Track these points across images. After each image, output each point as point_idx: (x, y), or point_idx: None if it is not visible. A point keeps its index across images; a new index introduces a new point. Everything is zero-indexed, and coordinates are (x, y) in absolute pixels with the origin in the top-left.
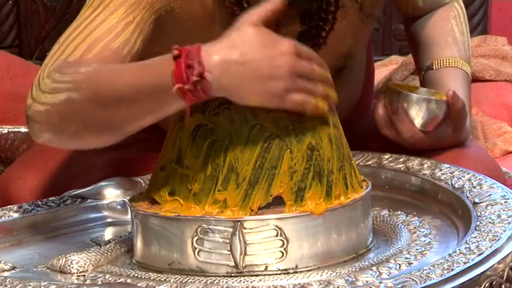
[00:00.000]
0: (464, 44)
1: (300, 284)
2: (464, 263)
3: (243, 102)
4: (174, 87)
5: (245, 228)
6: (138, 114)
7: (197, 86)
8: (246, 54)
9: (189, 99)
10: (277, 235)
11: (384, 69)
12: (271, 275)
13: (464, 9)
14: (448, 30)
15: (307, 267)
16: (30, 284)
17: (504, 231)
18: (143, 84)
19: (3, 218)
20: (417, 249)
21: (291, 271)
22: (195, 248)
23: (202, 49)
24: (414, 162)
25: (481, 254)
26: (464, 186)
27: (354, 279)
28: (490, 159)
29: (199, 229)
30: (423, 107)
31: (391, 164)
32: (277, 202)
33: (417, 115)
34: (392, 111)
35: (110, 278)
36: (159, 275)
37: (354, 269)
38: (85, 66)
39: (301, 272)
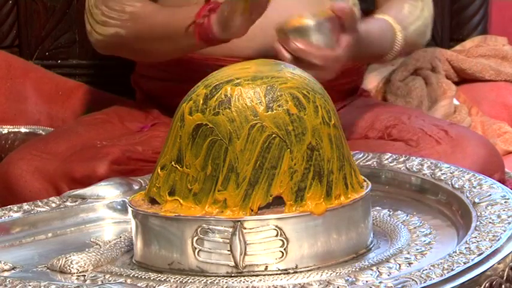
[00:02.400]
0: (405, 19)
1: (300, 284)
2: (464, 263)
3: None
4: (189, 20)
5: (245, 228)
6: (169, 48)
7: (204, 19)
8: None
9: (198, 35)
10: (277, 235)
11: (383, 70)
12: (271, 275)
13: (431, 12)
14: (399, 8)
15: (307, 267)
16: (30, 284)
17: (504, 231)
18: (172, 24)
19: (3, 218)
20: (417, 249)
21: (291, 271)
22: (195, 248)
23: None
24: (414, 162)
25: (481, 254)
26: (464, 186)
27: (354, 279)
28: (489, 143)
29: (199, 229)
30: (319, 31)
31: (391, 164)
32: (277, 202)
33: (318, 41)
34: (295, 50)
35: (110, 278)
36: (159, 275)
37: (354, 269)
38: (130, 6)
39: (301, 272)
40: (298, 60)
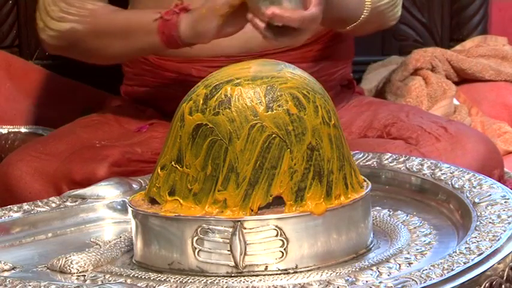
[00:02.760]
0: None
1: (300, 284)
2: (464, 263)
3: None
4: (156, 15)
5: (245, 228)
6: (126, 47)
7: (172, 16)
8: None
9: (162, 32)
10: (277, 235)
11: (383, 70)
12: (271, 275)
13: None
14: None
15: (307, 267)
16: (30, 284)
17: (504, 231)
18: (134, 22)
19: (3, 218)
20: (417, 249)
21: (291, 271)
22: (195, 248)
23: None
24: (414, 162)
25: (481, 254)
26: (464, 186)
27: (354, 279)
28: (489, 139)
29: (199, 229)
30: None
31: (391, 164)
32: (277, 202)
33: (289, 1)
34: (270, 18)
35: (110, 278)
36: (159, 275)
37: (354, 269)
38: (91, 4)
39: (301, 272)
40: (274, 28)
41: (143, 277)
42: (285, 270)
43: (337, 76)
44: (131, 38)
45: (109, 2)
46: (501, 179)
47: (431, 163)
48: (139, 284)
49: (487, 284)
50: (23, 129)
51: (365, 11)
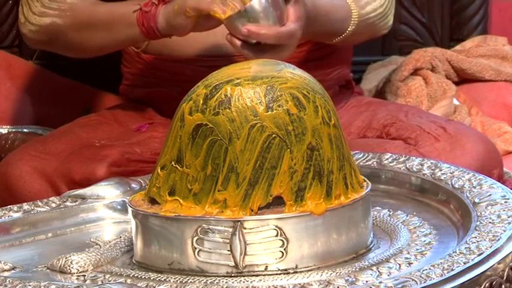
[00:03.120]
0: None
1: (300, 284)
2: (464, 263)
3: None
4: (136, 7)
5: (245, 228)
6: (107, 39)
7: (151, 7)
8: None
9: (141, 23)
10: (277, 235)
11: (383, 70)
12: (271, 275)
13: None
14: None
15: (307, 267)
16: (30, 284)
17: (504, 231)
18: (115, 14)
19: (3, 218)
20: (417, 249)
21: (291, 271)
22: (195, 248)
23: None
24: (414, 162)
25: (481, 254)
26: (464, 186)
27: (354, 279)
28: (488, 139)
29: (199, 229)
30: (263, 10)
31: (391, 164)
32: (277, 202)
33: (266, 18)
34: (245, 35)
35: (110, 278)
36: (159, 275)
37: (354, 269)
38: None
39: (301, 272)
40: (253, 45)
41: (143, 277)
42: (285, 270)
43: (333, 76)
44: (112, 29)
45: None
46: (500, 178)
47: (431, 163)
48: (139, 284)
49: (487, 284)
50: (23, 129)
51: (351, 24)
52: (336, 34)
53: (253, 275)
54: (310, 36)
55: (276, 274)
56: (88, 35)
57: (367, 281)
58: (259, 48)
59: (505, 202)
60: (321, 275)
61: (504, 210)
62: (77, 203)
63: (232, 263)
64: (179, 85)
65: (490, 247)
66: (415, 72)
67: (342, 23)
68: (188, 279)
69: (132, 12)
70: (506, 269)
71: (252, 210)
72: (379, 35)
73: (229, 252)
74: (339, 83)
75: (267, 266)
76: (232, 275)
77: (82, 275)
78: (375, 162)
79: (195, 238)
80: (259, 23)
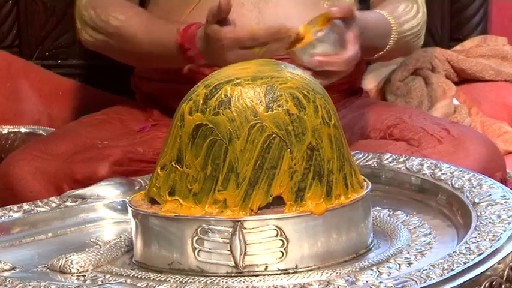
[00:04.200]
0: (401, 16)
1: (300, 284)
2: (464, 263)
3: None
4: (185, 67)
5: (245, 228)
6: (154, 66)
7: (196, 60)
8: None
9: (186, 60)
10: (277, 235)
11: (383, 70)
12: (271, 275)
13: (425, 15)
14: (395, 6)
15: (307, 267)
16: (30, 284)
17: (504, 231)
18: (159, 56)
19: (3, 218)
20: (417, 249)
21: (291, 271)
22: (195, 248)
23: (196, 37)
24: (414, 162)
25: (481, 254)
26: (464, 186)
27: (354, 279)
28: (491, 142)
29: (199, 229)
30: (331, 40)
31: (391, 164)
32: (277, 202)
33: (333, 46)
34: (316, 66)
35: (110, 278)
36: (159, 275)
37: (354, 269)
38: (114, 19)
39: (301, 272)
40: (319, 73)
41: (143, 277)
42: (285, 270)
43: (346, 89)
44: (157, 62)
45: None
46: (503, 181)
47: (431, 163)
48: (139, 284)
49: (487, 284)
50: (23, 129)
51: (391, 41)
52: (377, 50)
53: (253, 275)
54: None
55: (276, 274)
56: (136, 62)
57: (367, 281)
58: (324, 73)
59: (505, 202)
60: (321, 275)
61: (504, 210)
62: (77, 203)
63: (232, 263)
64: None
65: (490, 247)
66: (415, 72)
67: (384, 39)
68: (188, 279)
69: (176, 52)
70: (506, 269)
71: (252, 210)
72: (410, 53)
73: (229, 252)
74: (352, 90)
75: (267, 266)
76: (232, 275)
77: (82, 275)
78: (374, 162)
79: (195, 238)
80: (326, 51)
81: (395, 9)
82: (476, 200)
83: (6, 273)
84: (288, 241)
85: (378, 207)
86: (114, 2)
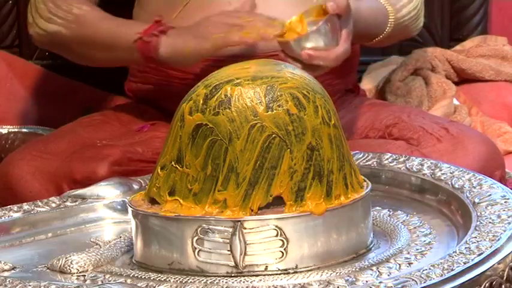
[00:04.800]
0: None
1: (300, 284)
2: (464, 263)
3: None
4: (136, 36)
5: (245, 228)
6: (108, 57)
7: (152, 38)
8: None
9: (141, 52)
10: (277, 235)
11: (383, 70)
12: (271, 275)
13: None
14: None
15: (307, 267)
16: (30, 284)
17: (504, 231)
18: (116, 36)
19: (3, 218)
20: (417, 249)
21: (291, 271)
22: (195, 248)
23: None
24: (414, 162)
25: (481, 254)
26: (464, 186)
27: (354, 279)
28: (490, 141)
29: (199, 229)
30: (321, 34)
31: (391, 164)
32: (277, 202)
33: (326, 42)
34: (306, 59)
35: (110, 278)
36: (159, 275)
37: (354, 269)
38: (77, 8)
39: (301, 272)
40: (308, 66)
41: (143, 277)
42: (285, 270)
43: (339, 87)
44: (113, 52)
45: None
46: (502, 180)
47: (431, 163)
48: (139, 284)
49: (487, 284)
50: (23, 129)
51: (388, 27)
52: (373, 36)
53: (253, 275)
54: (353, 38)
55: (276, 274)
56: (91, 52)
57: (367, 281)
58: (313, 66)
59: (505, 202)
60: (321, 275)
61: (504, 210)
62: (77, 203)
63: (232, 263)
64: (187, 84)
65: (490, 247)
66: (415, 72)
67: (380, 26)
68: (188, 279)
69: (132, 42)
70: (506, 269)
71: (252, 210)
72: (411, 36)
73: (229, 252)
74: (346, 87)
75: (267, 266)
76: (232, 275)
77: (82, 275)
78: (374, 162)
79: (195, 238)
80: (319, 45)
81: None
82: (476, 200)
83: (6, 273)
84: (288, 241)
85: (378, 207)
86: None
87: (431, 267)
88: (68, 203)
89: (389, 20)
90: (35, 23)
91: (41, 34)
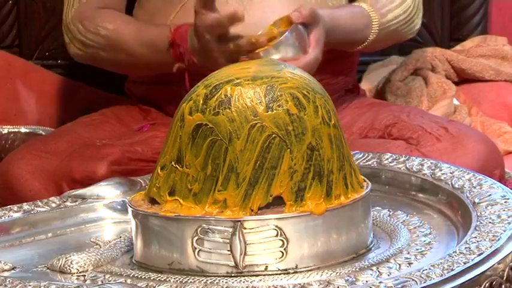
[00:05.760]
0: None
1: (300, 284)
2: (464, 263)
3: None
4: (175, 66)
5: (245, 228)
6: (147, 72)
7: (188, 62)
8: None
9: (186, 67)
10: (277, 235)
11: (383, 70)
12: (271, 275)
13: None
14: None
15: (307, 267)
16: (30, 284)
17: (504, 231)
18: (149, 60)
19: (3, 218)
20: (417, 249)
21: (291, 271)
22: (195, 248)
23: (187, 34)
24: (414, 162)
25: (481, 254)
26: (464, 186)
27: (354, 279)
28: (490, 140)
29: (199, 229)
30: (290, 44)
31: (391, 164)
32: (277, 202)
33: (294, 51)
34: None
35: (110, 278)
36: (159, 275)
37: (354, 269)
38: (104, 29)
39: (301, 272)
40: None
41: (143, 277)
42: (285, 270)
43: (338, 86)
44: (149, 67)
45: None
46: (502, 179)
47: (431, 163)
48: (139, 284)
49: (487, 284)
50: (23, 129)
51: (372, 33)
52: (356, 43)
53: (253, 275)
54: (330, 46)
55: (276, 274)
56: (130, 69)
57: (367, 281)
58: None
59: (505, 202)
60: (321, 275)
61: (504, 210)
62: (77, 203)
63: (232, 263)
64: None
65: (490, 247)
66: (415, 72)
67: (362, 32)
68: (188, 279)
69: (174, 70)
70: (506, 269)
71: (252, 210)
72: (405, 39)
73: (229, 252)
74: (345, 87)
75: (267, 266)
76: (232, 275)
77: (82, 275)
78: (375, 162)
79: (195, 238)
80: (287, 55)
81: (377, 0)
82: (476, 200)
83: (6, 273)
84: (288, 241)
85: (378, 207)
86: (101, 13)
87: (431, 267)
88: (68, 203)
89: (373, 25)
90: (72, 43)
91: (80, 54)
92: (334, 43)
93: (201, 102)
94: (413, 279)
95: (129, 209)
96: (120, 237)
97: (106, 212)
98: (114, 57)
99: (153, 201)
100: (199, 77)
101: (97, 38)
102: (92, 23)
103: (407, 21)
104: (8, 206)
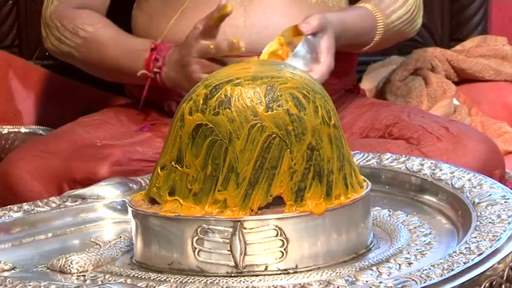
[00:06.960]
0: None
1: (300, 284)
2: (464, 263)
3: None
4: (140, 71)
5: (245, 228)
6: (117, 78)
7: (156, 75)
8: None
9: (149, 81)
10: (277, 235)
11: (383, 70)
12: (271, 275)
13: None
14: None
15: (307, 267)
16: (30, 284)
17: (504, 231)
18: (122, 64)
19: (3, 218)
20: (417, 249)
21: (291, 271)
22: (195, 248)
23: (169, 51)
24: (414, 162)
25: (481, 254)
26: (464, 186)
27: (354, 279)
28: (490, 140)
29: (199, 229)
30: (303, 57)
31: (391, 164)
32: (277, 202)
33: (307, 64)
34: None
35: (110, 278)
36: (159, 275)
37: (354, 269)
38: (82, 31)
39: (301, 272)
40: None
41: (143, 277)
42: (285, 270)
43: (338, 86)
44: (122, 77)
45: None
46: (502, 179)
47: (431, 163)
48: (139, 284)
49: (487, 284)
50: (23, 129)
51: (377, 34)
52: (363, 45)
53: (253, 275)
54: (338, 49)
55: (276, 274)
56: (101, 73)
57: (367, 281)
58: None
59: (505, 202)
60: (321, 275)
61: (504, 210)
62: (77, 203)
63: (232, 263)
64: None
65: (490, 247)
66: (415, 72)
67: (368, 34)
68: (188, 279)
69: (139, 75)
70: (506, 269)
71: (252, 210)
72: (407, 38)
73: (229, 252)
74: (345, 87)
75: (267, 266)
76: (232, 275)
77: (82, 275)
78: (374, 162)
79: (195, 238)
80: (302, 68)
81: (381, 0)
82: (476, 200)
83: (6, 273)
84: (288, 241)
85: (377, 207)
86: (82, 14)
87: (431, 267)
88: (68, 203)
89: (379, 26)
90: (48, 39)
91: (55, 51)
92: (341, 46)
93: (201, 102)
94: (413, 279)
95: (129, 209)
96: (120, 237)
97: (106, 212)
98: (86, 58)
99: (153, 201)
100: (159, 89)
101: (74, 38)
102: (71, 23)
103: (410, 20)
104: (8, 206)
